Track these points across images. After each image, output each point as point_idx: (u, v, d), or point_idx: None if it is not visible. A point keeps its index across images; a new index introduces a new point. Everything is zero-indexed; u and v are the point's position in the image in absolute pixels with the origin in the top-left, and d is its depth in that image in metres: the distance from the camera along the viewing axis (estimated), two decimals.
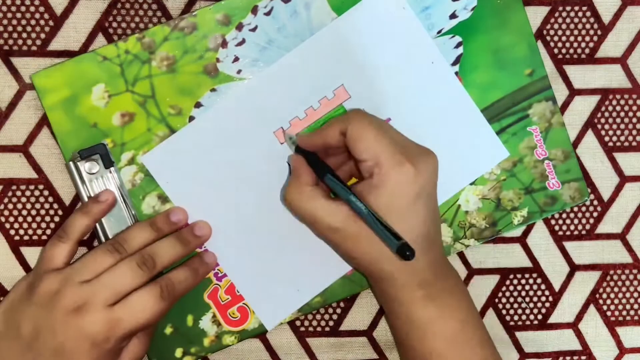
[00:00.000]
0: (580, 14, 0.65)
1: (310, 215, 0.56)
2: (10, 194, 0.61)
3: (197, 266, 0.59)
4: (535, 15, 0.64)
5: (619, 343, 0.67)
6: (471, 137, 0.63)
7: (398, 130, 0.57)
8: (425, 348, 0.56)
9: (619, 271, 0.66)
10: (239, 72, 0.61)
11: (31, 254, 0.61)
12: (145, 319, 0.54)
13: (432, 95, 0.62)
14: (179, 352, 0.62)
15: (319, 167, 0.57)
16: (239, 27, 0.60)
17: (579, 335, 0.66)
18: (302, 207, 0.56)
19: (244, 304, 0.62)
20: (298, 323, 0.64)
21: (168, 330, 0.61)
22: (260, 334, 0.63)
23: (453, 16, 0.62)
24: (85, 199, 0.59)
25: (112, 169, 0.60)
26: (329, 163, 0.58)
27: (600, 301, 0.66)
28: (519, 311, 0.66)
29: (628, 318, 0.67)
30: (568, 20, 0.65)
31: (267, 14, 0.60)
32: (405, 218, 0.53)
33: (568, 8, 0.64)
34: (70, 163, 0.59)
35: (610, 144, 0.66)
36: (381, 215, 0.53)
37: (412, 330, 0.56)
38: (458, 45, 0.62)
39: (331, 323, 0.64)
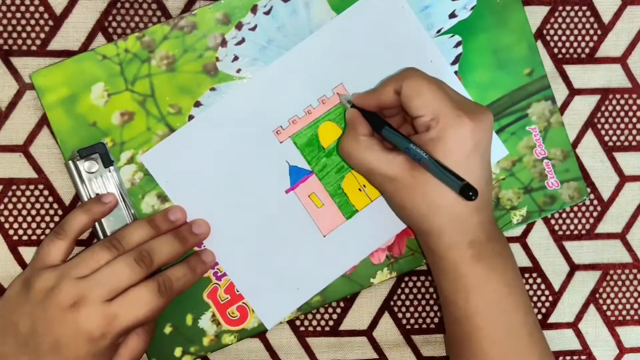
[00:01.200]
0: (580, 13, 0.65)
1: (366, 164, 0.56)
2: (10, 193, 0.61)
3: (195, 264, 0.59)
4: (535, 15, 0.64)
5: (618, 343, 0.66)
6: None
7: (453, 88, 0.57)
8: (470, 307, 0.56)
9: (618, 271, 0.66)
10: (238, 71, 0.61)
11: (30, 254, 0.61)
12: (142, 315, 0.54)
13: None
14: (178, 352, 0.62)
15: (375, 121, 0.57)
16: (239, 26, 0.60)
17: (579, 335, 0.66)
18: (359, 156, 0.56)
19: (243, 303, 0.62)
20: (298, 322, 0.64)
21: (167, 329, 0.61)
22: (260, 333, 0.63)
23: (452, 15, 0.62)
24: (85, 198, 0.59)
25: (111, 168, 0.60)
26: None
27: (600, 301, 0.66)
28: None
29: (628, 318, 0.66)
30: (568, 20, 0.65)
31: (267, 13, 0.60)
32: (460, 172, 0.52)
33: (568, 8, 0.64)
34: (70, 162, 0.59)
35: (610, 143, 0.66)
36: None
37: (459, 289, 0.56)
38: (457, 44, 0.62)
39: (331, 323, 0.64)
